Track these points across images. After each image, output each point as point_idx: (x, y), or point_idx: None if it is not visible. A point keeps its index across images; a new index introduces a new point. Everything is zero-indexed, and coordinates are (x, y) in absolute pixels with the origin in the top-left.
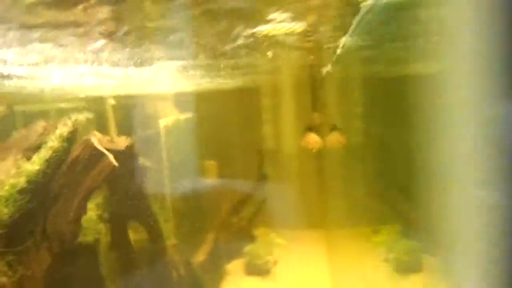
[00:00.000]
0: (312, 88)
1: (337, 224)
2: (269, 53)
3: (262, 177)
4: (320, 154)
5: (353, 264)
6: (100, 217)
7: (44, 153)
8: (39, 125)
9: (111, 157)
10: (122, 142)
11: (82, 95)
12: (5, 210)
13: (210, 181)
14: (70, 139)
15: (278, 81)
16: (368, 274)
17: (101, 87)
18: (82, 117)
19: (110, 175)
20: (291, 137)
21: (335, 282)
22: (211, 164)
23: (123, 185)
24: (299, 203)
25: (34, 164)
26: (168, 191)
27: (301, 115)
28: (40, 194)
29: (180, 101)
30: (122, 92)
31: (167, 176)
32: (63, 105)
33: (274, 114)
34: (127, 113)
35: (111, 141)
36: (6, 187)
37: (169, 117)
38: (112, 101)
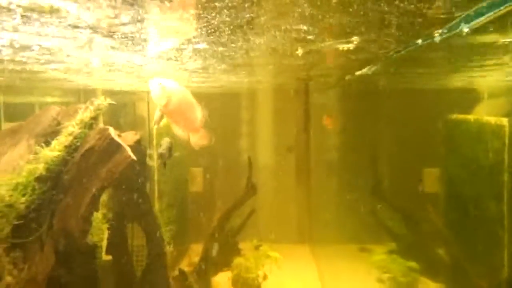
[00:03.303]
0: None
1: (326, 240)
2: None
3: (250, 188)
4: (310, 168)
5: (345, 281)
6: (104, 217)
7: (64, 139)
8: (52, 110)
9: (128, 150)
10: (130, 137)
11: (71, 88)
12: (22, 199)
13: (198, 189)
14: (91, 125)
15: (275, 87)
16: None
17: (91, 80)
18: (104, 102)
19: (126, 170)
20: (281, 146)
21: None
22: (198, 171)
23: (129, 183)
24: (287, 216)
25: (54, 150)
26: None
27: (293, 124)
28: (53, 185)
29: None
30: (113, 87)
31: (157, 181)
32: (49, 99)
33: (266, 122)
34: (117, 111)
35: (119, 135)
36: (24, 173)
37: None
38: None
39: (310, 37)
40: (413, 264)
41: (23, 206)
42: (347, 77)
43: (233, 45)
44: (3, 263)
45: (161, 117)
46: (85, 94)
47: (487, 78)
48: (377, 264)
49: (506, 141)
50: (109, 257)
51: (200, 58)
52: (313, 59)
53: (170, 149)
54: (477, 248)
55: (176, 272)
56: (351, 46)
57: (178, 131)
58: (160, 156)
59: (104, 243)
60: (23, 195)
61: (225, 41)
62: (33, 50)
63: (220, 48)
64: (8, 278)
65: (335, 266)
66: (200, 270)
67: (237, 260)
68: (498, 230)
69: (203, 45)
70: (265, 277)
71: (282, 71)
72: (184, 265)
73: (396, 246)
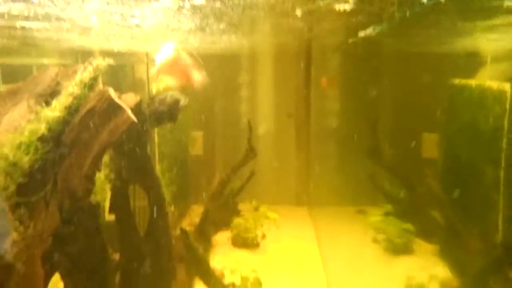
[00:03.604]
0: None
1: (324, 202)
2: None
3: (250, 151)
4: (309, 130)
5: (341, 242)
6: (107, 177)
7: (64, 99)
8: (51, 70)
9: (129, 111)
10: (131, 99)
11: (68, 50)
12: (26, 158)
13: (198, 152)
14: (91, 85)
15: (276, 48)
16: (357, 252)
17: (88, 40)
18: (103, 63)
19: (127, 131)
20: (281, 111)
21: (324, 257)
22: (198, 134)
23: (129, 144)
24: (286, 179)
25: (55, 111)
26: (158, 158)
27: (294, 86)
28: (55, 145)
29: None
30: (111, 48)
31: (157, 144)
32: (46, 60)
33: (267, 84)
34: (116, 73)
35: (119, 96)
36: (26, 133)
37: (160, 83)
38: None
39: None
40: (408, 226)
41: (27, 165)
42: (350, 40)
43: (230, 2)
44: (10, 220)
45: (158, 74)
46: (83, 56)
47: (491, 42)
48: (373, 226)
49: (507, 106)
50: (112, 217)
51: (197, 17)
52: (312, 19)
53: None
54: (473, 212)
55: (178, 232)
56: (347, 7)
57: (170, 80)
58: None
59: (107, 203)
60: (27, 154)
61: None
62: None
63: (218, 4)
64: (15, 235)
65: (332, 227)
66: (200, 229)
67: (237, 221)
68: (494, 195)
69: (200, 1)
70: (263, 237)
71: (282, 33)
72: (185, 225)
73: (392, 209)
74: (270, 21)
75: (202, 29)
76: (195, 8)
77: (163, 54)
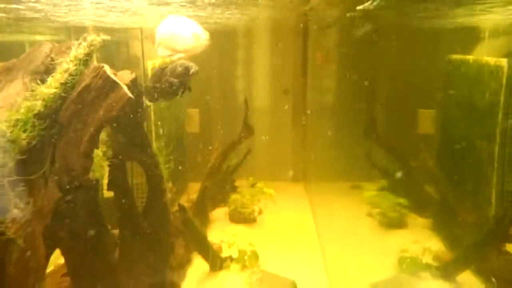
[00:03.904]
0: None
1: (320, 178)
2: None
3: (247, 128)
4: (305, 106)
5: (337, 216)
6: (104, 154)
7: (59, 76)
8: (45, 46)
9: (125, 88)
10: (126, 76)
11: (61, 26)
12: (23, 135)
13: (195, 129)
14: (86, 62)
15: (272, 23)
16: (352, 226)
17: (81, 16)
18: (98, 38)
19: (124, 108)
20: (278, 87)
21: (319, 231)
22: (194, 111)
23: (126, 121)
24: (282, 156)
25: (51, 88)
26: (154, 135)
27: (291, 62)
28: (52, 122)
29: None
30: (105, 23)
31: (153, 121)
32: (39, 37)
33: (263, 60)
34: (111, 49)
35: (114, 73)
36: (22, 110)
37: (156, 59)
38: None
39: None
40: (402, 200)
41: (25, 142)
42: (348, 14)
43: None
44: (10, 197)
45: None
46: (76, 32)
47: (489, 16)
48: (368, 200)
49: (504, 82)
50: (111, 194)
51: None
52: None
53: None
54: (467, 187)
55: (176, 208)
56: None
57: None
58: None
59: (106, 181)
60: (24, 131)
61: None
62: None
63: None
64: (15, 211)
65: (327, 202)
66: (198, 205)
67: (234, 196)
68: (488, 169)
69: None
70: (260, 212)
71: (277, 7)
72: (183, 202)
73: (387, 184)
74: None
75: (194, 2)
76: None
77: (164, 24)
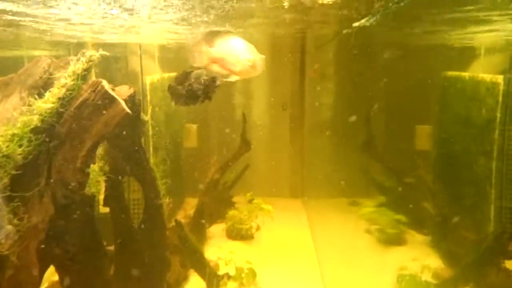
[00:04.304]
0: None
1: (318, 195)
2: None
3: (244, 143)
4: (303, 122)
5: (335, 233)
6: (101, 169)
7: (57, 91)
8: (43, 61)
9: (122, 103)
10: (124, 91)
11: (60, 42)
12: (19, 150)
13: (192, 144)
14: (84, 76)
15: (271, 40)
16: (350, 243)
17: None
18: (96, 54)
19: (121, 123)
20: (276, 103)
21: (318, 248)
22: (192, 127)
23: (123, 136)
24: (280, 172)
25: (48, 102)
26: (152, 150)
27: (289, 79)
28: (48, 137)
29: (164, 58)
30: (104, 39)
31: (151, 136)
32: (38, 52)
33: (261, 77)
34: (109, 65)
35: (113, 88)
36: (19, 125)
37: (154, 75)
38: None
39: None
40: (401, 217)
41: (20, 157)
42: (344, 31)
43: None
44: (4, 213)
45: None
46: (75, 47)
47: (484, 34)
48: (366, 217)
49: (500, 99)
50: (107, 209)
51: (183, 9)
52: (304, 11)
53: (209, 81)
54: (465, 203)
55: (173, 223)
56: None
57: (218, 68)
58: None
59: (102, 196)
60: (20, 146)
61: None
62: None
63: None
64: (9, 227)
65: (325, 218)
66: (195, 221)
67: (231, 213)
68: (486, 185)
69: None
70: (258, 228)
71: (275, 25)
72: (180, 218)
73: (385, 200)
74: (264, 13)
75: (187, 20)
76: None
77: (223, 43)
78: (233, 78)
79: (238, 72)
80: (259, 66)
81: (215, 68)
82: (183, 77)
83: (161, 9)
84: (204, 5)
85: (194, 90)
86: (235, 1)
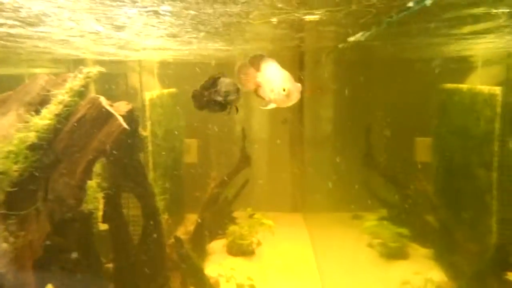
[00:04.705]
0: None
1: (319, 209)
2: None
3: (244, 158)
4: (302, 137)
5: (337, 247)
6: (99, 186)
7: (54, 108)
8: (41, 78)
9: (120, 119)
10: (122, 107)
11: (60, 59)
12: (15, 167)
13: (193, 160)
14: (81, 93)
15: (269, 55)
16: (352, 257)
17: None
18: (94, 70)
19: (118, 139)
20: (275, 118)
21: (319, 263)
22: (192, 142)
23: (122, 152)
24: (280, 186)
25: (44, 119)
26: (151, 166)
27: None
28: (45, 154)
29: (163, 74)
30: (103, 57)
31: (150, 152)
32: (38, 70)
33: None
34: (109, 82)
35: (111, 105)
36: (15, 142)
37: (153, 91)
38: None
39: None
40: (403, 230)
41: (16, 174)
42: (340, 45)
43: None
44: None
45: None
46: (75, 64)
47: (481, 45)
48: (368, 230)
49: (498, 110)
50: (105, 226)
51: (175, 25)
52: (291, 28)
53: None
54: (466, 215)
55: (172, 240)
56: (316, 17)
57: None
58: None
59: (100, 213)
60: (15, 163)
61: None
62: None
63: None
64: (4, 245)
65: (327, 233)
66: (195, 237)
67: (232, 228)
68: (487, 197)
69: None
70: (259, 244)
71: (272, 40)
72: (180, 234)
73: (387, 213)
74: (253, 29)
75: (176, 36)
76: (193, 17)
77: (267, 69)
78: (271, 106)
79: (273, 100)
80: (293, 96)
81: (261, 93)
82: (210, 83)
83: (152, 26)
84: (194, 21)
85: (222, 96)
86: (225, 17)
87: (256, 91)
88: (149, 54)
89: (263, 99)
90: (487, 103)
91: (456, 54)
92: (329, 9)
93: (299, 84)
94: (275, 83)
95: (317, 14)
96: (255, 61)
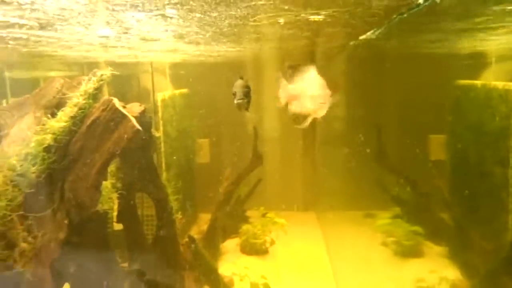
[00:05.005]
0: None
1: (332, 207)
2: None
3: (256, 157)
4: (314, 135)
5: (350, 246)
6: (113, 186)
7: (69, 110)
8: (56, 81)
9: (133, 120)
10: (135, 108)
11: (74, 62)
12: (33, 169)
13: (205, 160)
14: (95, 96)
15: (281, 53)
16: (366, 255)
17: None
18: (107, 73)
19: (132, 139)
20: (286, 117)
21: (333, 261)
22: (204, 142)
23: (135, 153)
24: (293, 185)
25: (60, 121)
26: (164, 166)
27: None
28: (61, 155)
29: (175, 75)
30: (115, 59)
31: (163, 152)
32: (54, 73)
33: (272, 90)
34: (122, 84)
35: (124, 106)
36: (33, 144)
37: (165, 91)
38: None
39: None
40: (417, 228)
41: (34, 176)
42: (351, 43)
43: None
44: (18, 231)
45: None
46: (89, 67)
47: (494, 41)
48: (382, 229)
49: None
50: (120, 226)
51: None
52: (298, 28)
53: (247, 93)
54: (482, 212)
55: (186, 239)
56: (321, 18)
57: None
58: (238, 106)
59: (115, 213)
60: (33, 165)
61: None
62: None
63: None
64: (23, 245)
65: (340, 231)
66: (209, 237)
67: (245, 227)
68: (502, 194)
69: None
70: (272, 243)
71: (284, 39)
72: (193, 233)
73: (400, 212)
74: (260, 30)
75: (182, 37)
76: (202, 20)
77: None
78: (306, 123)
79: (312, 111)
80: (325, 107)
81: (293, 108)
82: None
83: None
84: (201, 23)
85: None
86: (232, 19)
87: (288, 107)
88: (161, 55)
89: (297, 116)
90: (502, 99)
91: (471, 50)
92: (335, 9)
93: (329, 91)
94: (314, 93)
95: (322, 14)
96: (287, 72)
